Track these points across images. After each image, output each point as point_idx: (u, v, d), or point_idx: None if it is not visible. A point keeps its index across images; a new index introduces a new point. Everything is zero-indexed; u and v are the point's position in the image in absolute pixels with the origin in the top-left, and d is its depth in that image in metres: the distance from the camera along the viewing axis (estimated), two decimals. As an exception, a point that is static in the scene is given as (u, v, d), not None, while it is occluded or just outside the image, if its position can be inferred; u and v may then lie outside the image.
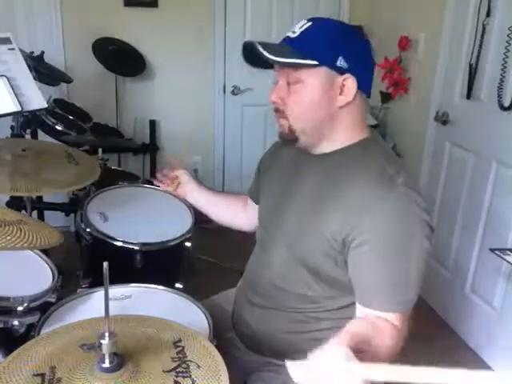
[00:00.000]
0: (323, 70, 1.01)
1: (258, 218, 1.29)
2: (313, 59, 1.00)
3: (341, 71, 1.01)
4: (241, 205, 1.45)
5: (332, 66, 1.00)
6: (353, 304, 1.07)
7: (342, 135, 1.08)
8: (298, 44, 1.01)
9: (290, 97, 1.05)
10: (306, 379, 0.70)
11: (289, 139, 1.09)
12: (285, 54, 1.00)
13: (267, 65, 1.07)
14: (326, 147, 1.09)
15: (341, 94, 1.03)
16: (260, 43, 1.01)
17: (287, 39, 1.04)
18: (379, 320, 0.99)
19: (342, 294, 1.10)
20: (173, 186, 1.52)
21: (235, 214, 1.46)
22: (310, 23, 1.03)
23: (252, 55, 1.04)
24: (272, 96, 1.07)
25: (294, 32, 1.03)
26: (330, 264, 1.06)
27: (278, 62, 1.02)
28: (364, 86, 1.05)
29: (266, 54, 0.99)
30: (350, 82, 1.02)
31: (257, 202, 1.33)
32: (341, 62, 1.00)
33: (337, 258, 1.04)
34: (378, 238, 0.98)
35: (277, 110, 1.08)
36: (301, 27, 1.03)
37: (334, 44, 1.01)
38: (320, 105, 1.03)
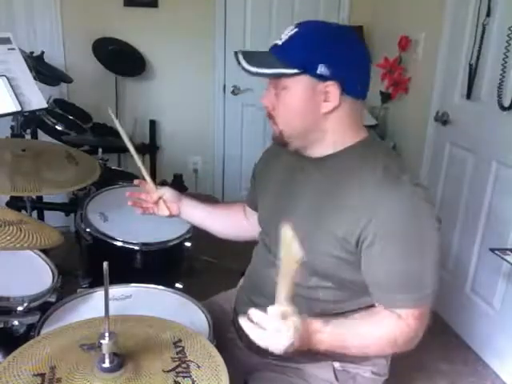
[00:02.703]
0: (306, 78, 1.01)
1: (258, 223, 1.29)
2: (295, 68, 1.00)
3: (322, 78, 1.00)
4: (242, 216, 1.43)
5: (313, 74, 1.00)
6: (360, 309, 1.08)
7: (335, 139, 1.08)
8: (283, 52, 1.02)
9: (278, 103, 1.06)
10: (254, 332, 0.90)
11: (280, 142, 1.11)
12: (267, 65, 1.01)
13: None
14: (323, 150, 1.09)
15: (325, 100, 1.02)
16: (245, 53, 1.04)
17: (274, 47, 1.04)
18: (384, 316, 1.02)
19: (350, 297, 1.10)
20: (159, 208, 1.38)
21: (239, 227, 1.43)
22: (296, 29, 1.03)
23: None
24: (263, 100, 1.09)
25: (280, 39, 1.04)
26: (342, 266, 1.06)
27: (258, 74, 1.02)
28: (353, 90, 1.03)
29: (246, 66, 1.01)
30: (333, 89, 1.01)
31: (256, 210, 1.33)
32: (321, 70, 0.99)
33: (349, 260, 1.05)
34: (388, 236, 0.99)
35: (268, 115, 1.10)
36: (287, 34, 1.03)
37: (314, 52, 1.00)
38: (305, 112, 1.04)
